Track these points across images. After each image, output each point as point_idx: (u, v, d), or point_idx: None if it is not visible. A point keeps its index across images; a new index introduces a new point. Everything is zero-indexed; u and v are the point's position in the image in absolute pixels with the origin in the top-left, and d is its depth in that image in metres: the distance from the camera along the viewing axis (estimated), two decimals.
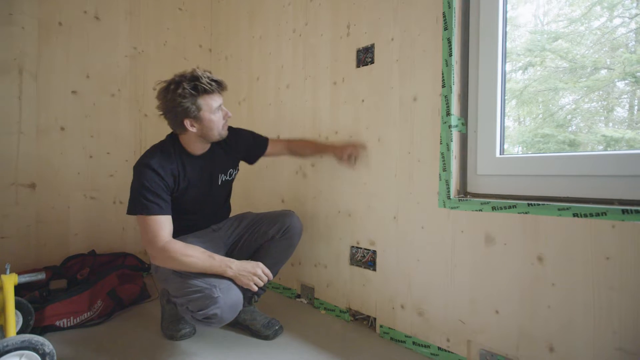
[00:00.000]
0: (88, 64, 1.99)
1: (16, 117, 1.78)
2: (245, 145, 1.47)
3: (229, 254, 1.43)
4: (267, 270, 1.21)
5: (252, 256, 1.44)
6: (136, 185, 1.17)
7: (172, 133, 1.29)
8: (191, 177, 1.28)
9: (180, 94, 1.14)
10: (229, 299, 1.11)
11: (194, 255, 1.14)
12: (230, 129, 1.40)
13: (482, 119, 1.21)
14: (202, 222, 1.41)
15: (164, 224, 1.16)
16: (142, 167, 1.18)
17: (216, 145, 1.37)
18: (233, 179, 1.49)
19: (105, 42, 2.05)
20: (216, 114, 1.21)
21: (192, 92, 1.14)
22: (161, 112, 1.20)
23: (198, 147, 1.28)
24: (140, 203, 1.14)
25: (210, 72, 1.21)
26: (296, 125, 1.80)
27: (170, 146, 1.26)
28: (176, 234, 1.25)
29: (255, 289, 1.18)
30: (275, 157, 1.83)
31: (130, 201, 1.18)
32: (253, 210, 1.93)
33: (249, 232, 1.43)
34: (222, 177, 1.41)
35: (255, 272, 1.17)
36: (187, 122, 1.18)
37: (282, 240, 1.40)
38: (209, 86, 1.16)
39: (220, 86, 1.21)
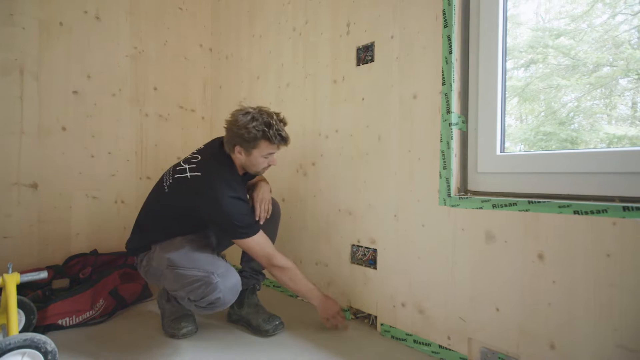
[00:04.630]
0: (89, 64, 1.99)
1: (18, 118, 1.78)
2: None
3: (221, 243, 1.50)
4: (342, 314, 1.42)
5: None
6: (237, 215, 1.25)
7: (222, 149, 1.37)
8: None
9: (247, 127, 1.26)
10: (229, 282, 1.19)
11: (307, 284, 1.36)
12: None
13: (482, 117, 1.21)
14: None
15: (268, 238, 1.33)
16: (233, 199, 1.26)
17: None
18: None
19: (105, 42, 2.05)
20: (264, 158, 1.33)
21: (257, 133, 1.26)
22: (226, 126, 1.32)
23: (241, 170, 1.40)
24: (252, 226, 1.28)
25: (283, 124, 1.33)
26: (296, 124, 1.80)
27: (232, 174, 1.35)
28: (178, 233, 1.30)
29: (338, 327, 1.41)
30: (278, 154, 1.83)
31: (244, 227, 1.26)
32: None
33: None
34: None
35: (335, 316, 1.39)
36: (237, 148, 1.31)
37: (270, 221, 1.50)
38: (274, 138, 1.28)
39: (283, 141, 1.32)
